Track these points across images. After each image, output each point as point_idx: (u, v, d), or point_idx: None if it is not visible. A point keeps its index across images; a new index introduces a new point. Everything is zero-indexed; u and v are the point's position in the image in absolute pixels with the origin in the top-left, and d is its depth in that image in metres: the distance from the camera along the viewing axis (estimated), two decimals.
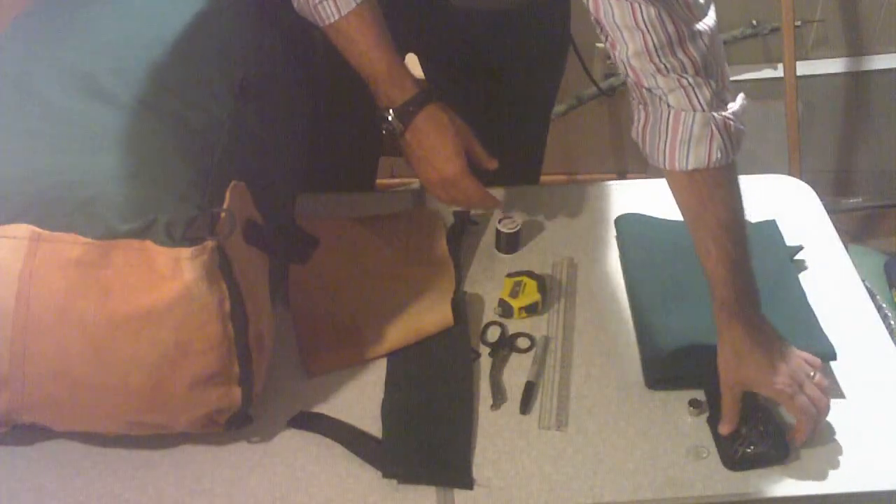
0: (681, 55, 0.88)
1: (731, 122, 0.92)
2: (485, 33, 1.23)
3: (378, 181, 1.53)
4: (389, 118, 1.05)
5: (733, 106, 0.93)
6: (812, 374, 0.93)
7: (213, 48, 0.98)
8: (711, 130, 0.91)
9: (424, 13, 1.21)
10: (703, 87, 0.90)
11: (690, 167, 0.92)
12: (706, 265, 0.94)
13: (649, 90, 0.92)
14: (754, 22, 2.05)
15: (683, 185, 0.94)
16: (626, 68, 0.91)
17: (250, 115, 0.96)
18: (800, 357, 0.94)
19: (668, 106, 0.91)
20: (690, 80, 0.89)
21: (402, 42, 1.08)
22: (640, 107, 0.95)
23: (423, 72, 1.33)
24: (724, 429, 0.93)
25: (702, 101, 0.90)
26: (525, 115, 1.35)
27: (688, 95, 0.90)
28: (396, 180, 2.16)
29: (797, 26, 1.96)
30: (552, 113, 1.97)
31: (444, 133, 1.06)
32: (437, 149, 1.06)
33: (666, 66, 0.89)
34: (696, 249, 0.94)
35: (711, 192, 0.93)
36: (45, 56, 0.95)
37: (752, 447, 0.92)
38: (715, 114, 0.91)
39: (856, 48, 2.11)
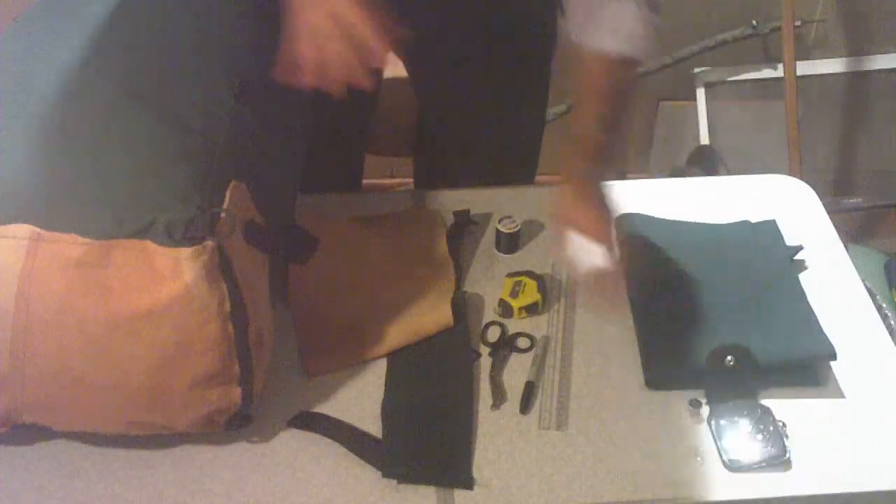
0: None
1: (657, 21, 0.96)
2: (472, 17, 1.22)
3: (378, 181, 1.53)
4: None
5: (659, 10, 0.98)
6: (610, 249, 0.98)
7: (213, 49, 0.98)
8: (640, 24, 0.95)
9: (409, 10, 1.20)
10: None
11: (608, 48, 0.96)
12: (586, 102, 0.99)
13: None
14: (754, 22, 2.05)
15: (596, 63, 0.97)
16: None
17: (250, 116, 0.96)
18: (607, 225, 0.99)
19: None
20: None
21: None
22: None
23: (409, 66, 1.32)
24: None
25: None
26: (518, 109, 1.34)
27: None
28: (396, 180, 2.16)
29: (797, 26, 1.96)
30: (552, 113, 1.97)
31: None
32: None
33: None
34: (574, 114, 1.00)
35: (620, 76, 0.98)
36: (44, 56, 0.95)
37: (752, 447, 0.92)
38: (648, 11, 0.95)
39: (856, 48, 2.11)
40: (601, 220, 0.99)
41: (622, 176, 2.33)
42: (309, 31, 0.89)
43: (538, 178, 1.45)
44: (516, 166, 1.38)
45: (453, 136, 1.35)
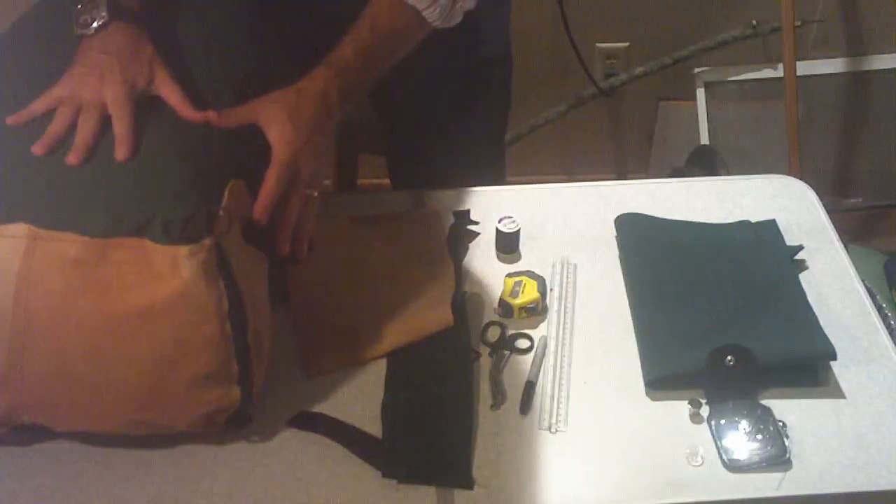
0: None
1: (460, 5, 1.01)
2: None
3: (379, 181, 1.53)
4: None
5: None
6: (315, 194, 0.96)
7: (212, 46, 0.98)
8: None
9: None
10: None
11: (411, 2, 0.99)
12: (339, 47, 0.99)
13: None
14: (754, 22, 2.05)
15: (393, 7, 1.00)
16: None
17: None
18: (322, 175, 0.98)
19: None
20: None
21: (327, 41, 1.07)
22: None
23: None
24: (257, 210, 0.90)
25: None
26: (476, 116, 1.35)
27: None
28: None
29: (797, 26, 1.96)
30: (554, 112, 1.97)
31: (141, 49, 0.92)
32: (125, 57, 0.90)
33: None
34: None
35: (406, 27, 1.02)
36: (43, 57, 0.95)
37: (752, 447, 0.92)
38: None
39: (856, 48, 2.11)
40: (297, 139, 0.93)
41: (622, 176, 2.33)
42: (69, 96, 0.89)
43: (535, 178, 1.45)
44: (481, 170, 1.38)
45: (414, 141, 1.36)
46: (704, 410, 0.97)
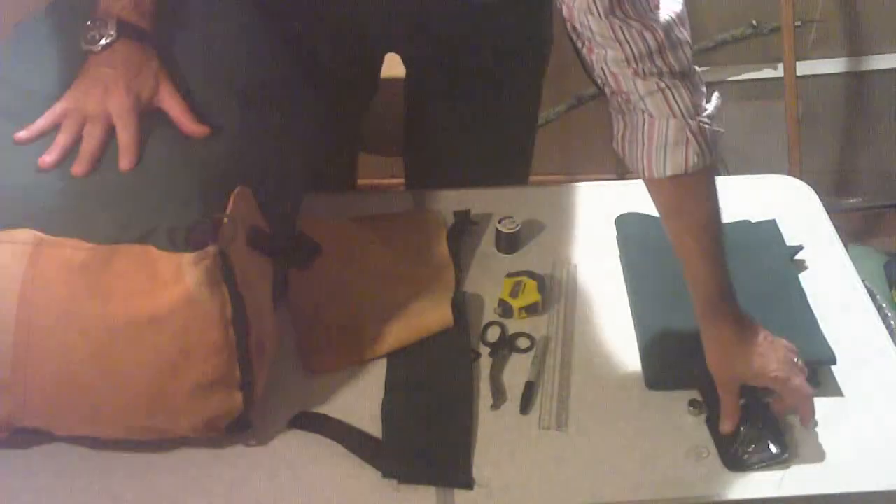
0: (660, 63, 0.88)
1: (707, 126, 0.91)
2: (461, 30, 1.21)
3: (378, 181, 1.53)
4: (99, 24, 0.92)
5: (708, 107, 0.93)
6: (796, 358, 0.95)
7: (217, 55, 0.98)
8: (687, 136, 0.90)
9: (401, 11, 1.20)
10: (682, 90, 0.90)
11: (668, 174, 0.92)
12: (688, 265, 0.94)
13: (626, 96, 0.91)
14: (754, 22, 2.05)
15: (663, 190, 0.95)
16: (604, 74, 0.91)
17: (255, 122, 0.96)
18: (782, 343, 0.95)
19: (644, 113, 0.91)
20: (668, 82, 0.89)
21: (381, 41, 1.05)
22: (619, 116, 0.95)
23: (406, 73, 1.32)
24: (726, 426, 0.93)
25: (680, 104, 0.90)
26: (509, 114, 1.33)
27: (666, 99, 0.89)
28: (396, 180, 2.15)
29: (797, 26, 1.96)
30: (553, 112, 1.97)
31: (146, 64, 0.92)
32: (131, 70, 0.90)
33: (644, 71, 0.88)
34: (676, 251, 0.95)
35: (690, 195, 0.94)
36: (47, 63, 0.95)
37: (752, 447, 0.92)
38: (690, 120, 0.90)
39: (856, 48, 2.11)
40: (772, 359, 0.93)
41: (622, 176, 2.33)
42: (75, 112, 0.88)
43: (535, 178, 1.45)
44: (506, 171, 1.37)
45: (443, 141, 1.35)
46: (704, 410, 0.97)
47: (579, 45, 0.91)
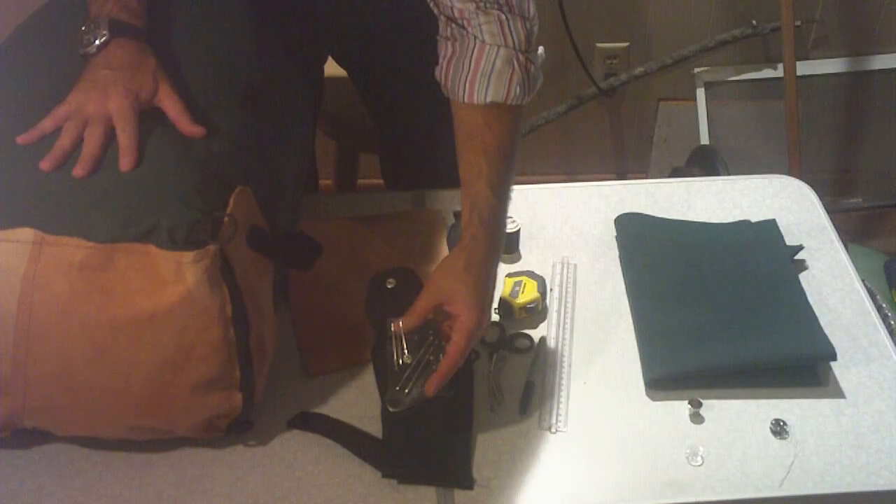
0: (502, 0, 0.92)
1: (532, 65, 0.96)
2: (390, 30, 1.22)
3: (378, 181, 1.53)
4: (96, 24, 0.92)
5: (537, 52, 0.98)
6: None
7: (217, 55, 0.98)
8: (514, 66, 0.95)
9: (336, 15, 1.21)
10: (518, 24, 0.94)
11: (489, 100, 0.95)
12: (472, 185, 0.96)
13: (462, 25, 0.95)
14: (754, 22, 2.05)
15: (475, 115, 0.97)
16: (450, 5, 0.95)
17: (255, 122, 0.96)
18: (492, 307, 0.96)
19: (477, 39, 0.95)
20: (507, 15, 0.93)
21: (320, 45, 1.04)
22: (448, 42, 0.98)
23: (354, 75, 1.33)
24: (409, 321, 0.92)
25: (514, 36, 0.94)
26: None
27: (502, 28, 0.94)
28: None
29: (797, 26, 1.96)
30: (553, 112, 1.96)
31: (143, 62, 0.92)
32: (129, 70, 0.90)
33: (487, 5, 0.93)
34: (463, 171, 0.97)
35: (500, 123, 0.96)
36: (48, 63, 0.95)
37: (417, 386, 0.90)
38: (519, 53, 0.95)
39: (856, 48, 2.11)
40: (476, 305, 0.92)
41: (622, 176, 2.33)
42: (73, 110, 0.89)
43: (535, 178, 1.45)
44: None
45: (408, 141, 1.36)
46: (704, 410, 0.97)
47: None
